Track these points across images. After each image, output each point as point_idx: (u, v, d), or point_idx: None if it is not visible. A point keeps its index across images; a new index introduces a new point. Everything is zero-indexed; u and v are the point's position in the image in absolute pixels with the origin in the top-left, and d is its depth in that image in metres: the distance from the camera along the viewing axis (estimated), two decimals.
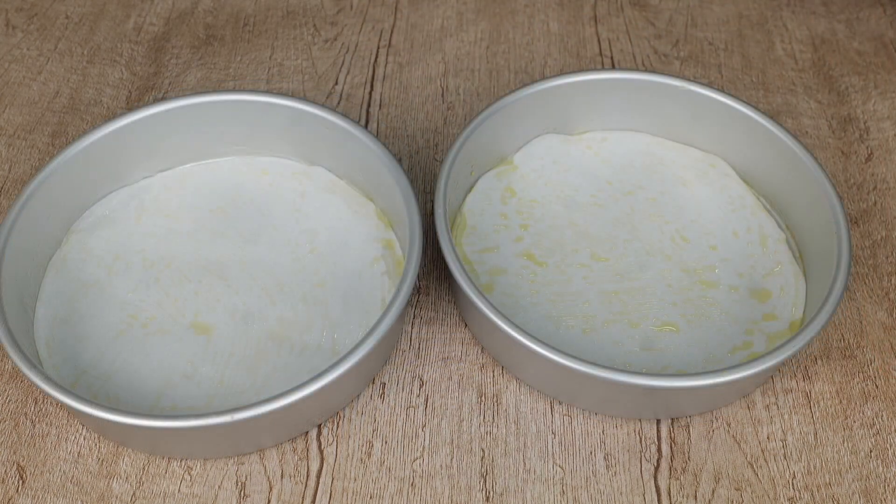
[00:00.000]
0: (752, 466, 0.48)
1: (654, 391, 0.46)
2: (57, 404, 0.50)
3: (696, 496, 0.47)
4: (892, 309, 0.54)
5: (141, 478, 0.47)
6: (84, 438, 0.49)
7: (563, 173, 0.58)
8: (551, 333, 0.51)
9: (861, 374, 0.51)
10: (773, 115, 0.64)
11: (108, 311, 0.51)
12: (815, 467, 0.48)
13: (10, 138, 0.62)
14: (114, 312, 0.51)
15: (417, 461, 0.48)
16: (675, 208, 0.57)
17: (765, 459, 0.48)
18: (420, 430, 0.49)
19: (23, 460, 0.48)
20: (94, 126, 0.58)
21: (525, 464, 0.48)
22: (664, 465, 0.48)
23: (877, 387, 0.51)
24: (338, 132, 0.54)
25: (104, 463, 0.48)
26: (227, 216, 0.56)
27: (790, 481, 0.47)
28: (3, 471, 0.47)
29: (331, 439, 0.49)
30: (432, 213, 0.51)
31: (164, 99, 0.58)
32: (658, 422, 0.50)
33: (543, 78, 0.57)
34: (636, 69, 0.66)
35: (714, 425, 0.49)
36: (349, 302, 0.52)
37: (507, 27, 0.70)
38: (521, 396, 0.50)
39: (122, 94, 0.65)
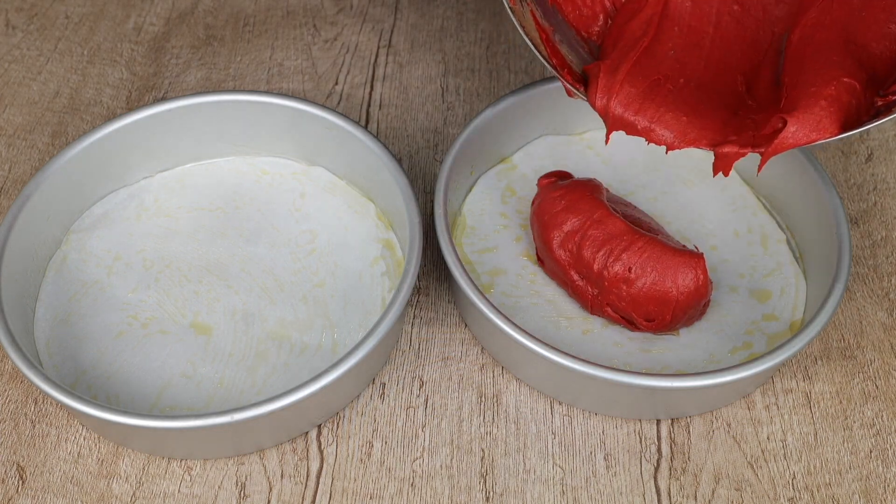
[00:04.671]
0: (752, 466, 0.48)
1: (654, 391, 0.46)
2: (57, 404, 0.50)
3: (696, 496, 0.47)
4: (892, 309, 0.54)
5: (141, 478, 0.47)
6: (84, 438, 0.49)
7: None
8: (551, 334, 0.51)
9: (861, 375, 0.51)
10: None
11: (107, 312, 0.51)
12: (815, 467, 0.48)
13: (10, 138, 0.62)
14: (114, 313, 0.51)
15: (417, 461, 0.48)
16: (676, 208, 0.57)
17: (765, 459, 0.48)
18: (420, 430, 0.49)
19: (23, 460, 0.48)
20: (94, 126, 0.58)
21: (525, 464, 0.48)
22: (664, 465, 0.48)
23: (877, 387, 0.51)
24: (338, 132, 0.54)
25: (104, 463, 0.48)
26: (227, 216, 0.56)
27: (790, 481, 0.47)
28: (3, 471, 0.47)
29: (331, 439, 0.49)
30: (432, 214, 0.51)
31: (164, 99, 0.58)
32: (658, 422, 0.50)
33: (543, 78, 0.57)
34: None
35: (714, 425, 0.49)
36: (349, 302, 0.52)
37: (507, 27, 0.70)
38: (521, 396, 0.50)
39: (122, 94, 0.65)
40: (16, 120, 0.63)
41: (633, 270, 0.48)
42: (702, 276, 0.48)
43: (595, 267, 0.49)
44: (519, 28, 0.46)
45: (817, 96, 0.43)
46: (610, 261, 0.49)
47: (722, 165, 0.44)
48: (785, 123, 0.42)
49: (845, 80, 0.43)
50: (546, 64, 0.47)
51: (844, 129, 0.42)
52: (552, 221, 0.51)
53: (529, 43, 0.46)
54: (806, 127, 0.42)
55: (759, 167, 0.44)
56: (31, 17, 0.70)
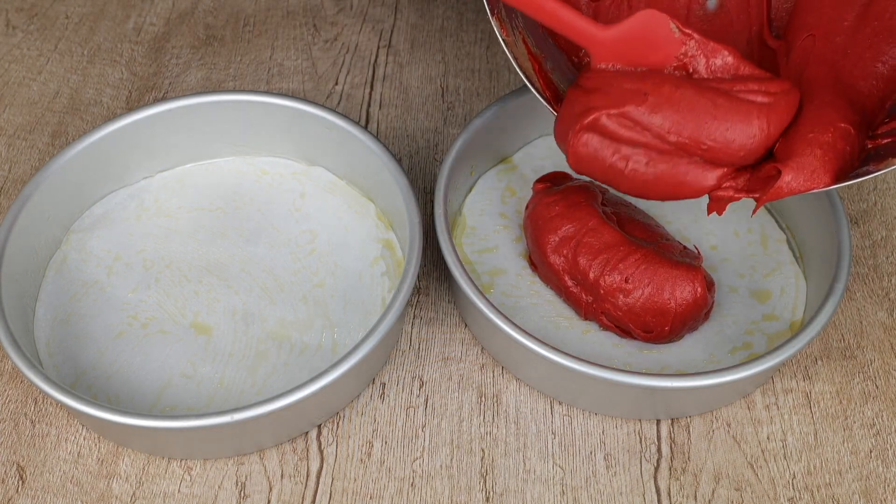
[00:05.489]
0: (752, 466, 0.48)
1: (654, 391, 0.46)
2: (57, 404, 0.50)
3: (696, 496, 0.47)
4: (892, 309, 0.54)
5: (141, 478, 0.47)
6: (84, 438, 0.49)
7: None
8: (551, 334, 0.51)
9: (861, 374, 0.51)
10: None
11: (108, 312, 0.51)
12: (815, 467, 0.48)
13: (10, 138, 0.62)
14: (114, 313, 0.51)
15: (417, 461, 0.48)
16: (676, 208, 0.57)
17: (765, 459, 0.48)
18: (420, 430, 0.49)
19: (23, 460, 0.48)
20: (94, 126, 0.58)
21: (525, 464, 0.48)
22: (664, 465, 0.48)
23: (877, 387, 0.51)
24: (338, 132, 0.54)
25: (104, 463, 0.48)
26: (227, 216, 0.56)
27: (790, 481, 0.47)
28: (3, 471, 0.47)
29: (331, 439, 0.49)
30: (432, 214, 0.51)
31: (164, 99, 0.58)
32: (658, 422, 0.50)
33: None
34: None
35: (714, 425, 0.49)
36: (349, 302, 0.52)
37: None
38: (521, 396, 0.50)
39: (122, 94, 0.65)
40: (16, 120, 0.63)
41: (629, 281, 0.48)
42: (699, 289, 0.48)
43: (591, 275, 0.49)
44: (512, 61, 0.46)
45: (814, 144, 0.42)
46: (607, 269, 0.49)
47: (716, 207, 0.44)
48: (779, 173, 0.42)
49: (841, 125, 0.42)
50: (539, 97, 0.47)
51: (838, 178, 0.42)
52: (546, 226, 0.50)
53: (522, 75, 0.46)
54: (801, 176, 0.42)
55: (753, 211, 0.44)
56: (31, 17, 0.70)
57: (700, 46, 0.44)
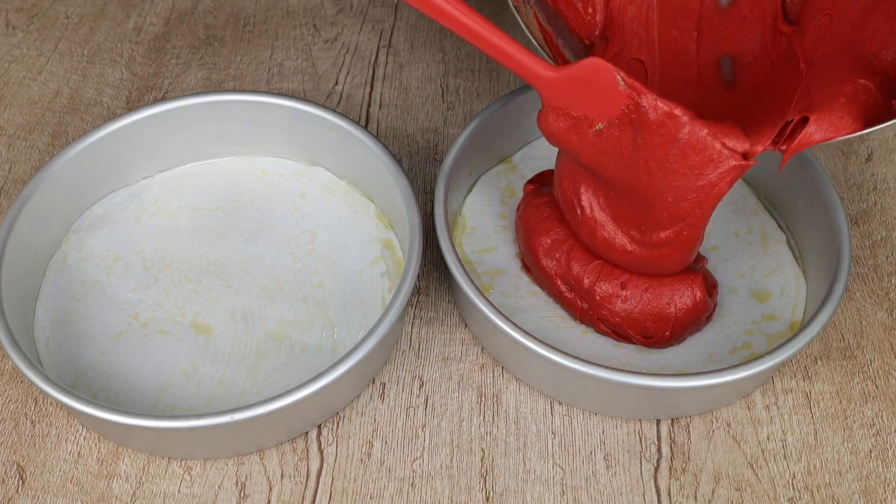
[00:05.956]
0: (752, 466, 0.48)
1: (654, 391, 0.46)
2: (57, 404, 0.50)
3: (696, 496, 0.47)
4: (892, 309, 0.54)
5: (141, 478, 0.47)
6: (84, 438, 0.49)
7: None
8: (551, 334, 0.51)
9: (861, 374, 0.51)
10: None
11: (108, 312, 0.51)
12: (815, 467, 0.48)
13: (10, 138, 0.62)
14: (114, 313, 0.51)
15: (417, 461, 0.48)
16: None
17: (765, 459, 0.48)
18: (420, 430, 0.49)
19: (23, 460, 0.48)
20: (94, 126, 0.58)
21: (525, 464, 0.48)
22: (664, 465, 0.48)
23: (877, 387, 0.51)
24: (338, 132, 0.54)
25: (104, 463, 0.48)
26: (227, 216, 0.56)
27: (790, 481, 0.47)
28: (3, 471, 0.47)
29: (331, 439, 0.49)
30: (432, 214, 0.51)
31: (164, 99, 0.58)
32: (658, 422, 0.50)
33: None
34: None
35: (714, 425, 0.49)
36: (349, 302, 0.52)
37: (507, 27, 0.70)
38: (521, 396, 0.50)
39: (122, 94, 0.65)
40: (16, 120, 0.63)
41: (626, 287, 0.48)
42: (699, 293, 0.48)
43: (585, 282, 0.49)
44: (524, 28, 0.45)
45: (836, 94, 0.42)
46: (602, 276, 0.48)
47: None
48: (806, 121, 0.42)
49: (860, 81, 0.42)
50: (549, 61, 0.47)
51: (867, 126, 0.42)
52: (537, 228, 0.50)
53: (535, 42, 0.46)
54: (826, 124, 0.42)
55: (781, 165, 0.43)
56: (31, 17, 0.70)
57: (650, 105, 0.42)
